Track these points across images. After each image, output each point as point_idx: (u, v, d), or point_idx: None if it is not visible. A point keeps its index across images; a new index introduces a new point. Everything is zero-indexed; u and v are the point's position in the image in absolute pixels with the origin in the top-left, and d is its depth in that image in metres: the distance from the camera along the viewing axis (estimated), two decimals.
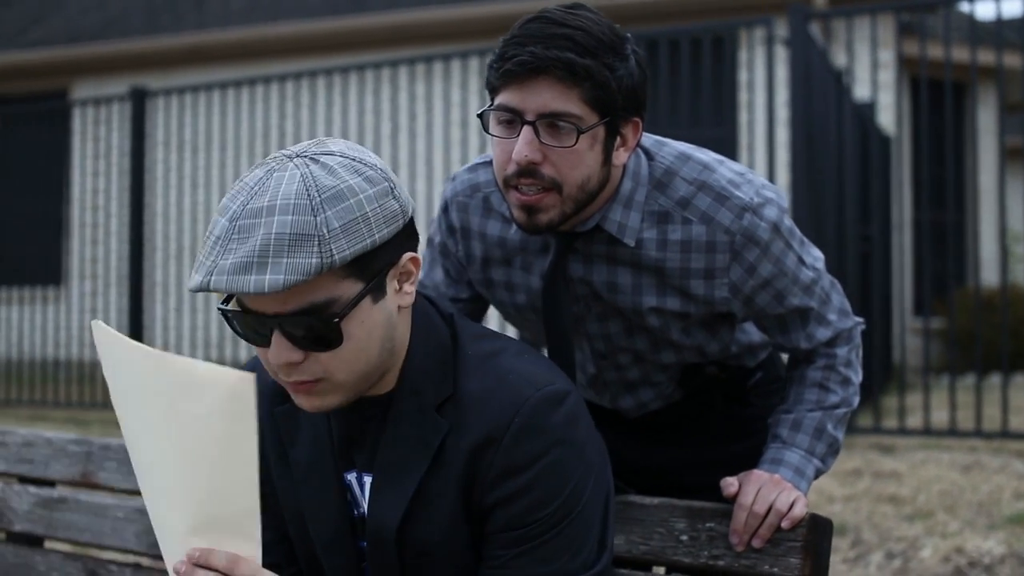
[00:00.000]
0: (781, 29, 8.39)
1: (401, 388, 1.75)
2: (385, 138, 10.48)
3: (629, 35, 2.02)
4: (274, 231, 1.54)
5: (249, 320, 1.63)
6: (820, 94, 7.66)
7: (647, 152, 2.12)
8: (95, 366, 10.47)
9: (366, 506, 1.79)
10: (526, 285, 2.21)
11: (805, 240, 2.20)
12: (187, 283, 1.63)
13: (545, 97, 1.92)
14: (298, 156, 1.62)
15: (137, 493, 2.53)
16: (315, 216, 1.55)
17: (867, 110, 9.28)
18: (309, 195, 1.56)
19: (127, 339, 1.66)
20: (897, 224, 9.89)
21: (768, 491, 2.01)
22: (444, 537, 1.73)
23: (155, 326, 10.49)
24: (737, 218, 2.05)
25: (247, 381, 1.54)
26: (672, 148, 2.15)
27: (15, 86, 15.64)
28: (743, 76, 10.68)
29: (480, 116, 2.04)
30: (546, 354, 2.15)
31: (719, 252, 2.06)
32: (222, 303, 1.67)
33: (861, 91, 10.42)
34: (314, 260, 1.54)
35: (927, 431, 6.99)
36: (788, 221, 2.14)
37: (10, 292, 12.71)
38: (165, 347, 10.33)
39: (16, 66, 15.42)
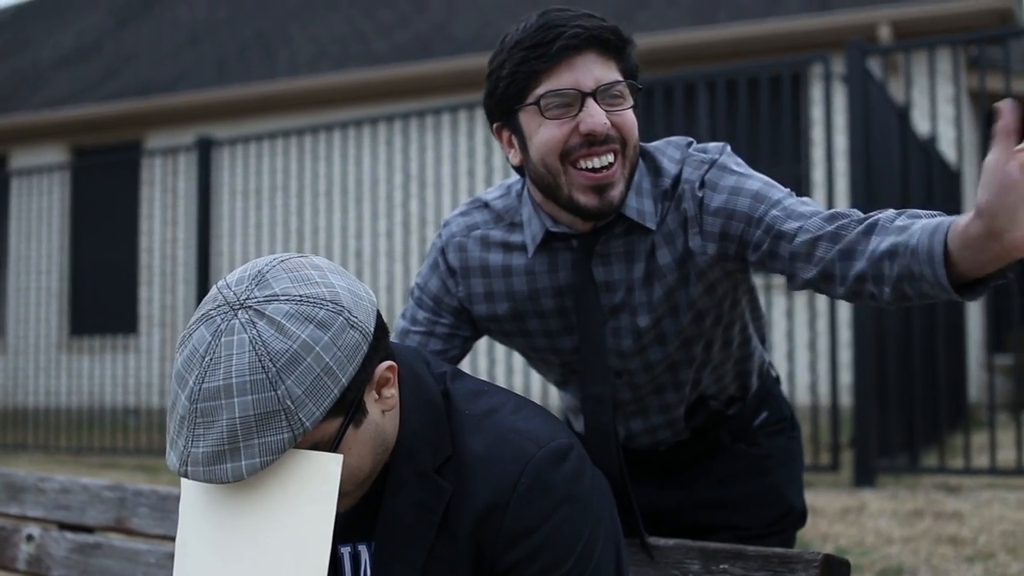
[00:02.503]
0: (839, 66, 8.34)
1: (397, 454, 1.72)
2: (446, 182, 10.54)
3: None
4: (238, 415, 1.50)
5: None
6: (880, 129, 7.59)
7: None
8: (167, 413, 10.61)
9: None
10: (536, 310, 2.21)
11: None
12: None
13: (594, 70, 2.01)
14: (242, 307, 1.56)
15: (168, 538, 2.55)
16: (275, 390, 1.50)
17: (930, 144, 9.19)
18: (264, 367, 1.51)
19: None
20: None
21: None
22: None
23: None
24: (684, 150, 2.15)
25: (336, 462, 1.55)
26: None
27: (91, 138, 15.98)
28: (815, 113, 10.65)
29: (515, 114, 2.06)
30: (552, 397, 2.14)
31: (685, 201, 2.10)
32: None
33: (926, 125, 10.32)
34: (285, 436, 1.51)
35: (993, 470, 6.85)
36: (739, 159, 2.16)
37: (82, 341, 12.94)
38: None
39: (92, 119, 15.77)
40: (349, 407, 1.59)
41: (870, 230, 1.87)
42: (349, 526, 1.75)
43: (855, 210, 1.97)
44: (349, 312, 1.59)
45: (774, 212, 2.01)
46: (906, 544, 5.15)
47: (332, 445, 1.58)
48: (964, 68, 7.73)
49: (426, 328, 2.30)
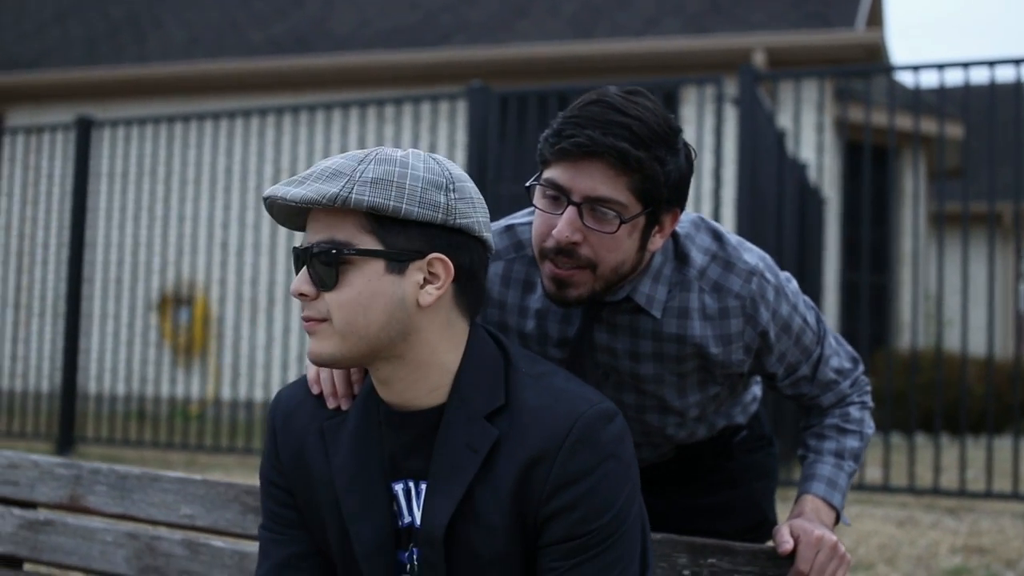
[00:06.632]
0: (728, 88, 8.55)
1: (451, 398, 1.82)
2: None
3: (681, 128, 2.08)
4: (330, 164, 1.77)
5: (296, 253, 1.81)
6: (765, 153, 7.81)
7: None
8: (24, 396, 10.32)
9: (418, 514, 1.84)
10: (541, 354, 2.25)
11: (808, 300, 2.30)
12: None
13: (595, 181, 1.97)
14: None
15: (128, 518, 2.55)
16: (359, 163, 1.76)
17: (803, 171, 9.48)
18: (374, 151, 1.79)
19: None
20: (826, 284, 10.08)
21: (825, 558, 2.05)
22: (495, 547, 1.79)
23: (90, 358, 10.36)
24: (746, 283, 2.15)
25: None
26: (685, 215, 2.22)
27: None
28: (686, 133, 10.88)
29: (527, 188, 2.08)
30: None
31: (732, 317, 2.15)
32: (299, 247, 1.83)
33: (798, 153, 10.63)
34: (332, 190, 1.72)
35: (861, 486, 7.12)
36: (793, 284, 2.24)
37: None
38: (99, 379, 10.19)
39: None
40: (392, 248, 1.76)
41: (826, 419, 2.35)
42: (402, 465, 1.86)
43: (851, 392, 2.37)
44: (454, 190, 1.80)
45: (804, 371, 2.30)
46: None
47: (356, 253, 1.75)
48: (833, 98, 8.03)
49: None
